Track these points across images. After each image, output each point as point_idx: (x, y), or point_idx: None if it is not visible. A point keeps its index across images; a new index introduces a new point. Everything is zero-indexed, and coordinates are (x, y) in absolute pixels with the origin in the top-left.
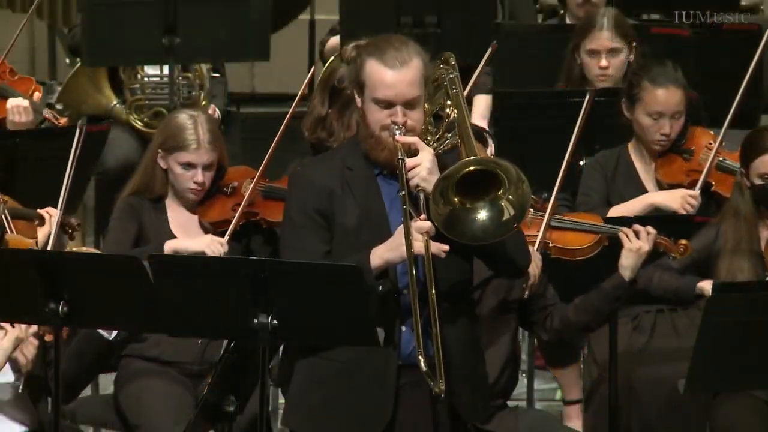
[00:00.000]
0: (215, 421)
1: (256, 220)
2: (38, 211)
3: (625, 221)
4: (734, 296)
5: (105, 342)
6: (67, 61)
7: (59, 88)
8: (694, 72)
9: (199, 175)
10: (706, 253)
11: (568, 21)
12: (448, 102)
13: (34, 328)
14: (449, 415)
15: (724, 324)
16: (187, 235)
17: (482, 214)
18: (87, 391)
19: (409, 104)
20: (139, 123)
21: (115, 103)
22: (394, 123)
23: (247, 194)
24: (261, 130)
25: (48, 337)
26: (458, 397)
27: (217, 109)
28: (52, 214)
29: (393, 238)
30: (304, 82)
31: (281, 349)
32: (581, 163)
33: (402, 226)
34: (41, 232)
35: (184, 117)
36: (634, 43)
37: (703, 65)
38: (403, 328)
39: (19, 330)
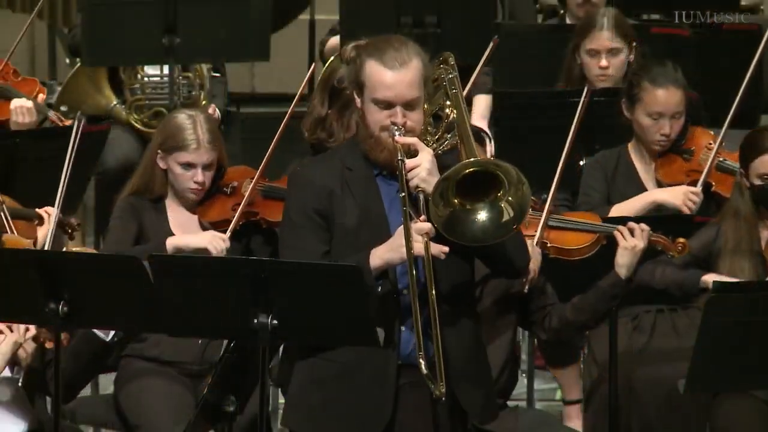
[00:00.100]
0: (215, 421)
1: (255, 219)
2: (37, 210)
3: (623, 220)
4: (734, 296)
5: (101, 343)
6: (67, 61)
7: (59, 89)
8: (694, 72)
9: (199, 175)
10: (705, 252)
11: (568, 21)
12: (448, 102)
13: (32, 332)
14: (449, 415)
15: (724, 324)
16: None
17: (482, 216)
18: (87, 391)
19: (409, 105)
20: (139, 123)
21: (115, 103)
22: (394, 124)
23: (246, 194)
24: (261, 130)
25: (48, 345)
26: (464, 397)
27: (217, 109)
28: (51, 214)
29: (393, 238)
30: (304, 82)
31: (281, 349)
32: (581, 163)
33: (402, 227)
34: (41, 232)
35: (183, 117)
36: (634, 43)
37: (703, 65)
38: (403, 328)
39: (17, 334)
